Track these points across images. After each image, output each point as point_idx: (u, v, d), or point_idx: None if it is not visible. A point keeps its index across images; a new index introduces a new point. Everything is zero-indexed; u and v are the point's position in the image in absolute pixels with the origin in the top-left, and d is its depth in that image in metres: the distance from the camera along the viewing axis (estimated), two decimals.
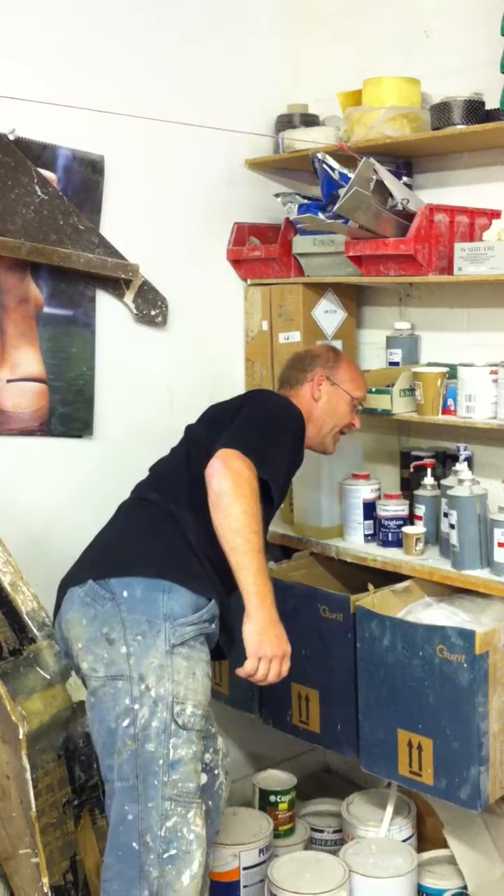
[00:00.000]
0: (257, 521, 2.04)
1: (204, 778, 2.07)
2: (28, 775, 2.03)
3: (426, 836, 2.73)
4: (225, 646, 2.18)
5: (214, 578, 2.10)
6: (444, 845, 2.60)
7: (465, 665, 2.27)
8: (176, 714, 1.96)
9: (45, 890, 2.08)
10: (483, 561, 2.49)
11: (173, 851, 1.94)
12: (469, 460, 2.61)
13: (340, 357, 2.54)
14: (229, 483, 2.02)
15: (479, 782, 2.32)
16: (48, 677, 2.22)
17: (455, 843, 2.56)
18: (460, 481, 2.51)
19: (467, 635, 2.27)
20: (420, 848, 2.67)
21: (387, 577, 2.61)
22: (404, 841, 2.64)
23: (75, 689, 2.22)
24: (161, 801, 1.94)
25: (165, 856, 1.94)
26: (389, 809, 2.66)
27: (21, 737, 2.02)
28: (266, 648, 2.01)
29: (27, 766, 2.03)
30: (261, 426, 2.22)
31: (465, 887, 2.52)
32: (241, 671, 2.03)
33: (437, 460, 2.75)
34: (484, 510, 2.51)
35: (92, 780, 2.26)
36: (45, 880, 2.08)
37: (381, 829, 2.64)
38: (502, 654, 2.34)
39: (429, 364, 2.79)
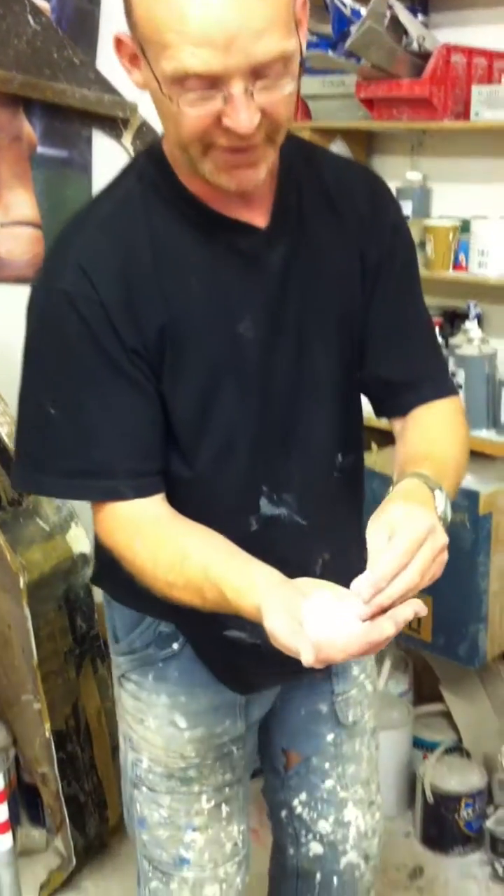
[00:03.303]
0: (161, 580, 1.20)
1: (318, 849, 1.61)
2: (29, 624, 2.02)
3: (422, 692, 2.77)
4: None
5: None
6: (440, 700, 2.63)
7: (467, 525, 2.25)
8: (132, 763, 1.49)
9: (47, 735, 2.10)
10: (490, 422, 2.44)
11: None
12: (479, 318, 2.53)
13: None
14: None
15: (478, 640, 2.33)
16: (48, 529, 2.19)
17: (451, 699, 2.59)
18: (469, 340, 2.44)
19: (471, 496, 2.24)
20: (416, 702, 2.71)
21: (390, 437, 2.55)
22: (401, 696, 2.68)
23: (75, 540, 2.19)
24: (139, 856, 1.55)
25: None
26: (387, 664, 2.69)
27: (21, 586, 2.01)
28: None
29: (28, 615, 2.02)
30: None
31: (460, 740, 2.57)
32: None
33: (445, 319, 2.66)
34: (493, 370, 2.44)
35: (93, 631, 2.26)
36: (47, 725, 2.10)
37: (378, 684, 2.67)
38: None
39: (441, 217, 2.68)
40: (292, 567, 1.12)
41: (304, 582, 1.09)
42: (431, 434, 1.33)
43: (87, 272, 1.17)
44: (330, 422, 1.35)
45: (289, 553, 1.23)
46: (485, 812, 2.43)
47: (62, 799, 2.22)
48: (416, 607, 1.03)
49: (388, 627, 1.01)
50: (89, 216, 1.24)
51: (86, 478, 1.23)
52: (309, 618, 1.03)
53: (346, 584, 1.05)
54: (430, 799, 2.43)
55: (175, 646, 1.41)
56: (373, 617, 1.03)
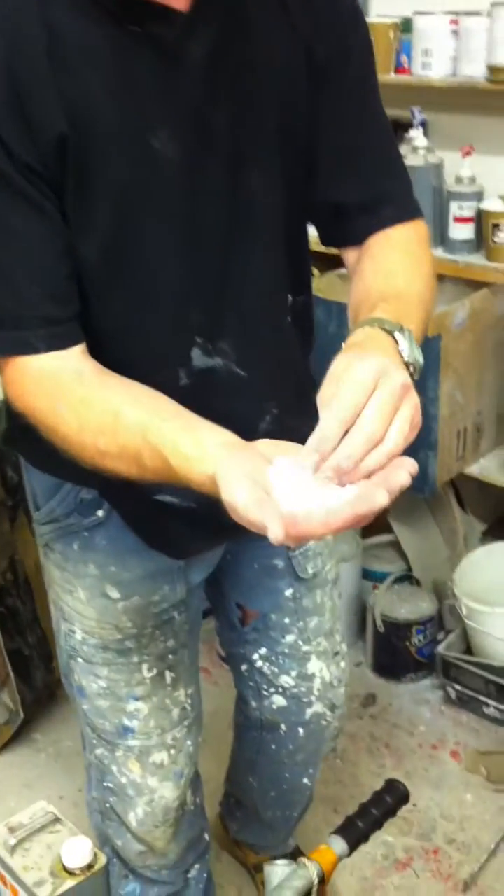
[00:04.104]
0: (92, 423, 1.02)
1: (282, 701, 1.54)
2: None
3: (370, 523, 2.72)
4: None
5: None
6: (389, 531, 2.59)
7: None
8: (65, 634, 1.38)
9: None
10: (437, 240, 2.30)
11: (109, 784, 1.46)
12: (424, 126, 2.35)
13: None
14: None
15: (427, 468, 2.26)
16: None
17: (400, 528, 2.55)
18: (414, 149, 2.27)
19: None
20: (364, 534, 2.66)
21: (332, 263, 2.40)
22: None
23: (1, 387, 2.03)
24: (82, 723, 1.46)
25: (103, 784, 1.47)
26: None
27: None
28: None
29: None
30: None
31: (409, 570, 2.54)
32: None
33: None
34: (440, 182, 2.29)
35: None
36: None
37: None
38: (455, 336, 2.21)
39: (380, 15, 2.45)
40: (233, 425, 0.95)
41: (266, 444, 0.90)
42: (390, 267, 1.11)
43: None
44: (275, 257, 1.15)
45: (228, 409, 1.06)
46: (436, 638, 2.42)
47: (5, 653, 2.15)
48: (410, 468, 0.85)
49: (380, 497, 0.81)
50: None
51: None
52: (279, 486, 0.84)
53: (301, 443, 0.89)
54: (381, 628, 2.41)
55: (100, 513, 1.26)
56: (343, 480, 0.85)
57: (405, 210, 1.18)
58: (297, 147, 1.12)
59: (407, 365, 0.96)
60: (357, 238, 1.17)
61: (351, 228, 1.17)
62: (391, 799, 1.18)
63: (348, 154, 1.15)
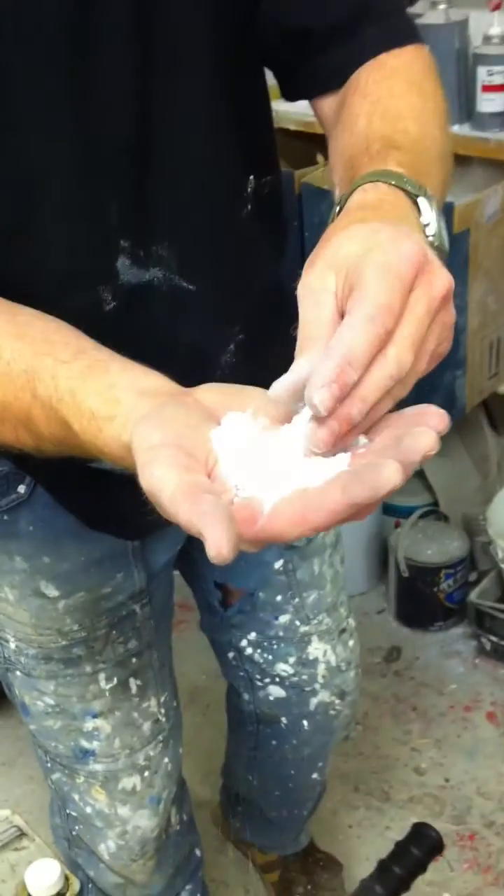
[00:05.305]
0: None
1: (280, 692, 1.28)
2: None
3: None
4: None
5: None
6: None
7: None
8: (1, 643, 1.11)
9: None
10: (462, 114, 1.93)
11: (72, 812, 1.21)
12: None
13: None
14: None
15: (455, 388, 1.94)
16: None
17: None
18: (432, 4, 1.88)
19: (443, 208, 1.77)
20: None
21: None
22: None
23: None
24: (32, 744, 1.20)
25: (66, 811, 1.22)
26: None
27: None
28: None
29: None
30: None
31: (436, 503, 2.23)
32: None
33: None
34: (464, 44, 1.90)
35: None
36: None
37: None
38: (486, 231, 1.86)
39: None
40: (183, 361, 0.65)
41: (211, 391, 0.58)
42: (393, 106, 0.74)
43: None
44: (216, 120, 0.83)
45: (174, 339, 0.79)
46: (467, 580, 2.13)
47: None
48: (438, 424, 0.52)
49: (389, 473, 0.47)
50: None
51: None
52: (227, 459, 0.53)
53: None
54: (405, 571, 2.11)
55: (21, 489, 0.95)
56: (337, 443, 0.52)
57: (396, 31, 0.81)
58: None
59: (431, 245, 0.63)
60: (333, 78, 0.81)
61: (322, 65, 0.81)
62: (419, 850, 0.89)
63: None
